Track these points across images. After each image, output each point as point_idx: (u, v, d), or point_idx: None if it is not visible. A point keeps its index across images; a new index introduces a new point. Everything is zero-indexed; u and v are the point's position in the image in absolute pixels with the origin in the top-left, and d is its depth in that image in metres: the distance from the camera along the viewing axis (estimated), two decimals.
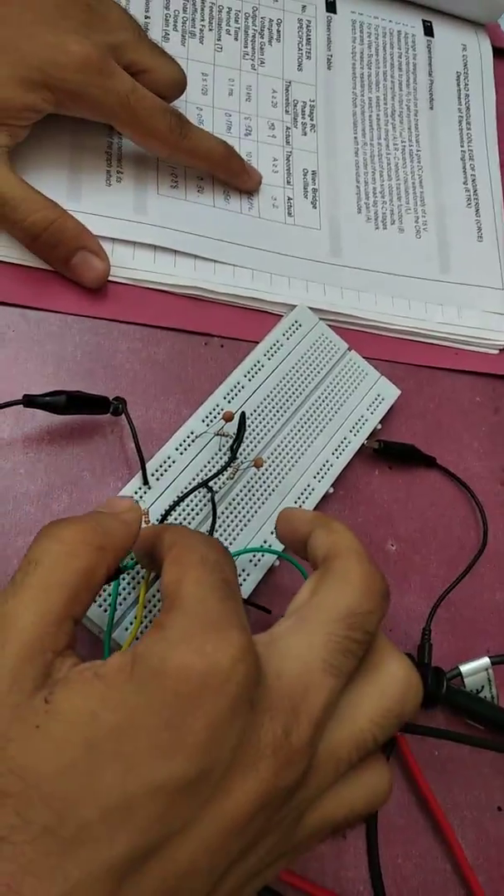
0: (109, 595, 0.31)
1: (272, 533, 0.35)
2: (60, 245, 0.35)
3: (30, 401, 0.32)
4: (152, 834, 0.17)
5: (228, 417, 0.35)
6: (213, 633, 0.19)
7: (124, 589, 0.31)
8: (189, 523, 0.34)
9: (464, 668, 0.35)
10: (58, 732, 0.17)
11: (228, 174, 0.41)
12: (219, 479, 0.35)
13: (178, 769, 0.17)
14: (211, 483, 0.35)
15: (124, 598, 0.31)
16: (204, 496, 0.35)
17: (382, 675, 0.22)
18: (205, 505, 0.34)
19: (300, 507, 0.37)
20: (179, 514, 0.34)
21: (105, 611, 0.31)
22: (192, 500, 0.34)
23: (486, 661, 0.36)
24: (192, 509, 0.34)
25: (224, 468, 0.34)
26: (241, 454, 0.36)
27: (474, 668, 0.36)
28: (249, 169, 0.42)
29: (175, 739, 0.17)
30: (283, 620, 0.23)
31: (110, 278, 0.38)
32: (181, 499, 0.33)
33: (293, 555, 0.35)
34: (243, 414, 0.35)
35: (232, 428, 0.36)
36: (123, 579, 0.31)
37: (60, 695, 0.18)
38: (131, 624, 0.31)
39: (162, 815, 0.17)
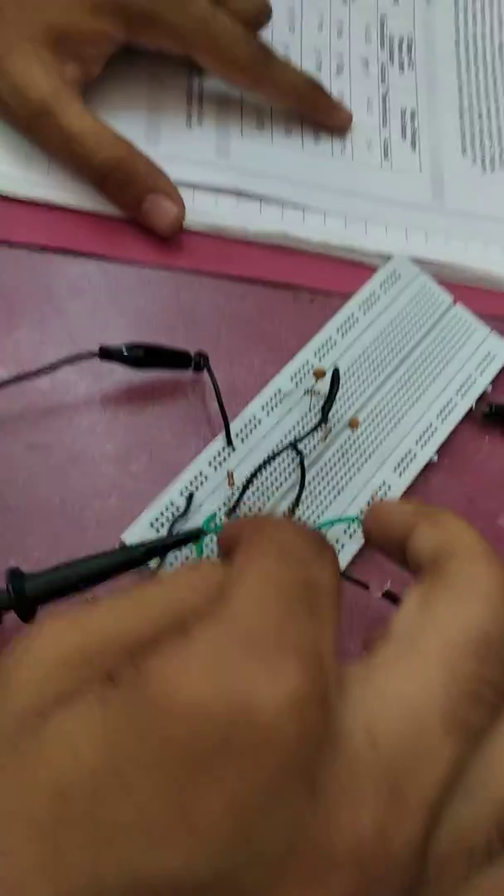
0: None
1: (369, 503, 0.32)
2: (131, 186, 0.32)
3: (105, 353, 0.30)
4: None
5: (319, 374, 0.32)
6: (257, 659, 0.13)
7: (208, 557, 0.29)
8: (276, 489, 0.31)
9: None
10: (28, 760, 0.12)
11: (315, 110, 0.37)
12: (309, 441, 0.32)
13: (179, 867, 0.11)
14: (300, 446, 0.31)
15: None
16: (293, 460, 0.31)
17: None
18: (293, 470, 0.31)
19: (400, 475, 0.33)
20: (266, 480, 0.31)
21: None
22: (279, 465, 0.31)
23: None
24: (281, 474, 0.31)
25: (315, 428, 0.31)
26: (333, 415, 0.33)
27: None
28: (337, 105, 0.38)
29: (177, 817, 0.11)
30: (380, 645, 0.16)
31: (192, 227, 0.35)
32: (269, 460, 0.30)
33: None
34: (336, 370, 0.32)
35: (323, 386, 0.32)
36: (207, 546, 0.29)
37: (59, 712, 0.13)
38: None
39: None
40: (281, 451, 0.30)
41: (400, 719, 0.14)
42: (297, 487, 0.30)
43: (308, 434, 0.31)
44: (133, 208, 0.33)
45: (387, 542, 0.21)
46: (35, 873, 0.11)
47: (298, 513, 0.31)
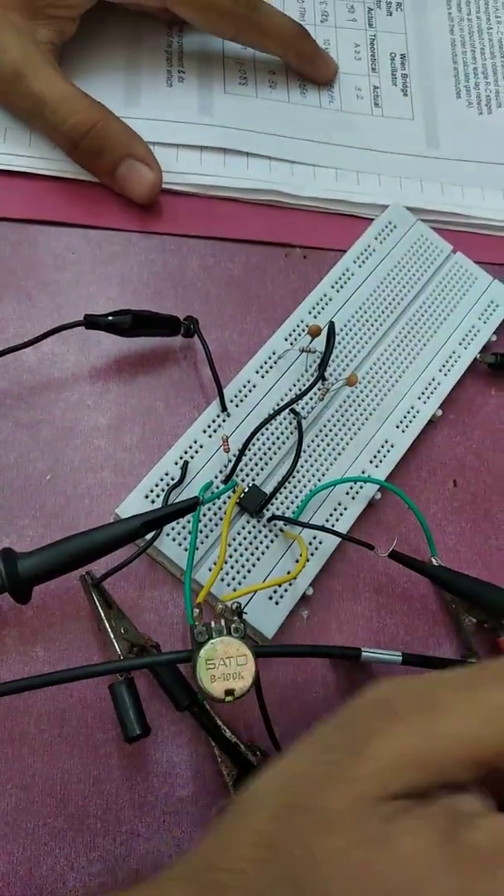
0: (190, 532, 0.27)
1: (371, 462, 0.31)
2: (104, 152, 0.31)
3: (91, 322, 0.29)
4: None
5: (315, 332, 0.31)
6: None
7: (206, 526, 0.28)
8: (274, 453, 0.30)
9: None
10: (393, 859, 0.14)
11: (301, 59, 0.36)
12: (308, 401, 0.31)
13: None
14: (297, 407, 0.30)
15: (206, 536, 0.28)
16: (291, 422, 0.30)
17: None
18: (292, 432, 0.30)
19: (403, 432, 0.32)
20: (264, 444, 0.30)
21: (185, 550, 0.27)
22: (277, 428, 0.30)
23: None
24: (279, 438, 0.30)
25: (310, 388, 0.30)
26: (331, 373, 0.32)
27: None
28: (324, 54, 0.36)
29: None
30: None
31: (176, 189, 0.34)
32: (264, 424, 0.29)
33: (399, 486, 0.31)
34: (332, 325, 0.31)
35: (320, 344, 0.31)
36: (205, 515, 0.28)
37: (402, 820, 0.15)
38: (214, 564, 0.27)
39: None
40: (276, 414, 0.29)
41: None
42: (296, 450, 0.29)
43: (304, 394, 0.30)
44: (108, 175, 0.32)
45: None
46: None
47: (298, 476, 0.30)
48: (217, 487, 0.28)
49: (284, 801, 0.16)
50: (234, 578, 0.28)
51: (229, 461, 0.29)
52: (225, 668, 0.22)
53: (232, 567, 0.28)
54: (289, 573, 0.27)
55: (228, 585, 0.28)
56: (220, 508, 0.28)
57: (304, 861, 0.15)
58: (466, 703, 0.16)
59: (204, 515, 0.28)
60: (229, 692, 0.22)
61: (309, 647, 0.26)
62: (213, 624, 0.22)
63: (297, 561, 0.28)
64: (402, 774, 0.15)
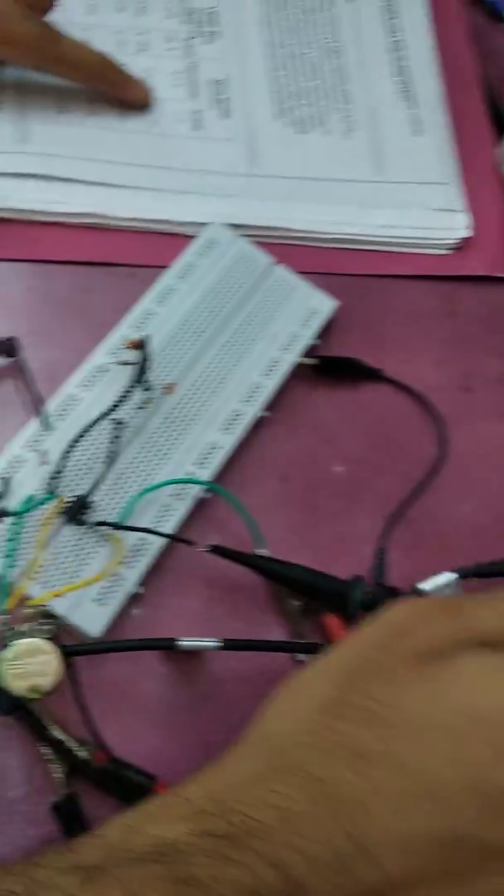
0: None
1: (197, 464, 0.33)
2: None
3: None
4: (499, 837, 0.15)
5: (134, 345, 0.32)
6: None
7: (32, 538, 0.29)
8: (95, 462, 0.31)
9: (423, 586, 0.32)
10: (446, 684, 0.17)
11: (108, 85, 0.38)
12: (137, 411, 0.32)
13: None
14: (121, 416, 0.32)
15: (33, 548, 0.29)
16: (113, 431, 0.32)
17: None
18: (111, 441, 0.32)
19: (228, 434, 0.33)
20: (90, 455, 0.31)
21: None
22: (102, 439, 0.31)
23: (450, 576, 0.32)
24: (101, 447, 0.31)
25: (123, 398, 0.31)
26: (157, 383, 0.33)
27: (437, 586, 0.32)
28: (133, 79, 0.38)
29: None
30: None
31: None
32: (80, 435, 0.30)
33: (222, 486, 0.33)
34: (144, 339, 0.32)
35: (139, 356, 0.33)
36: (31, 527, 0.29)
37: (462, 655, 0.17)
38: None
39: None
40: (93, 425, 0.31)
41: None
42: (110, 457, 0.31)
43: (119, 404, 0.31)
44: None
45: None
46: (450, 762, 0.16)
47: (129, 481, 0.31)
48: (38, 500, 0.30)
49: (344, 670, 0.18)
50: (63, 585, 0.29)
51: (53, 474, 0.30)
52: (28, 667, 0.23)
53: (63, 574, 0.29)
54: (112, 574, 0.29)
55: None
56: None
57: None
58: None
59: (28, 528, 0.29)
60: (34, 689, 0.23)
61: (123, 641, 0.27)
62: (17, 627, 0.24)
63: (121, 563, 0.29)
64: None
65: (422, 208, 0.41)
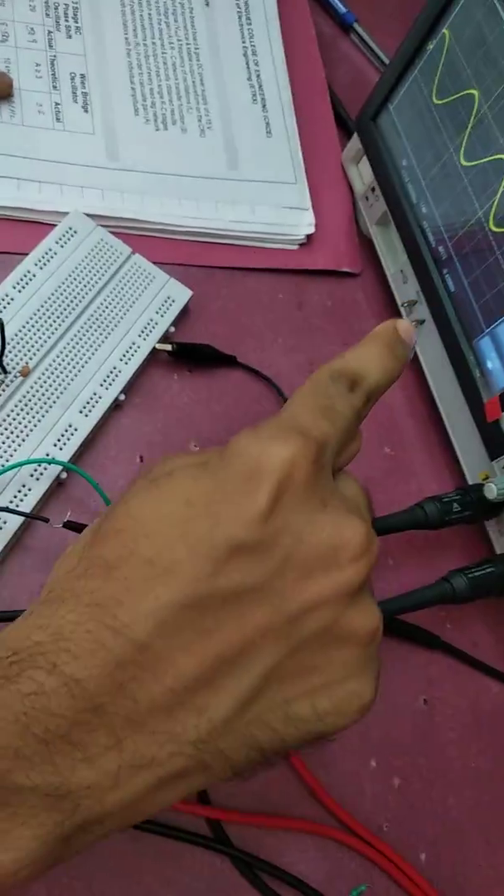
0: None
1: (55, 445, 0.34)
2: None
3: None
4: (231, 582, 0.19)
5: None
6: (280, 431, 0.20)
7: None
8: None
9: None
10: (166, 489, 0.20)
11: None
12: None
13: (243, 533, 0.19)
14: None
15: None
16: None
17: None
18: None
19: (86, 416, 0.35)
20: None
21: None
22: None
23: None
24: None
25: None
26: (13, 366, 0.34)
27: None
28: None
29: (239, 510, 0.19)
30: None
31: None
32: None
33: (82, 466, 0.34)
34: (0, 322, 0.33)
35: None
36: None
37: (178, 468, 0.20)
38: None
39: (241, 568, 0.19)
40: None
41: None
42: None
43: None
44: None
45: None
46: (178, 539, 0.19)
47: None
48: None
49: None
50: None
51: None
52: None
53: None
54: None
55: None
56: None
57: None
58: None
59: None
60: None
61: None
62: None
63: None
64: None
65: (272, 206, 0.44)
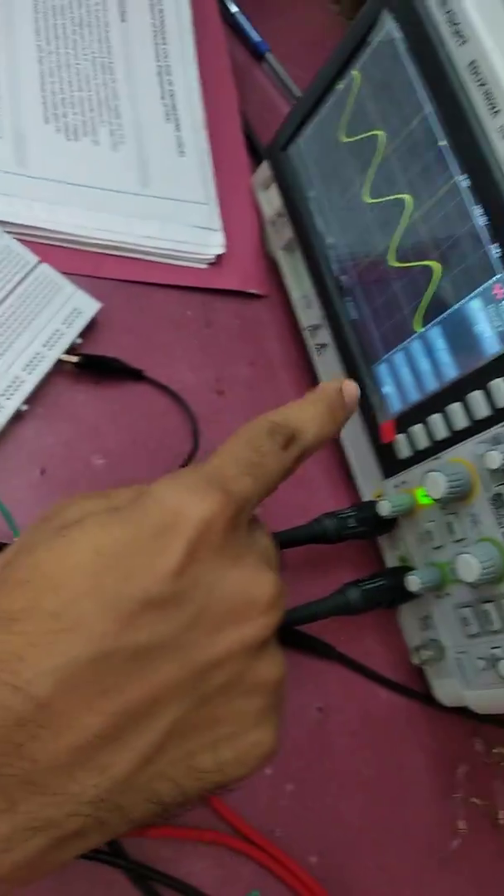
0: None
1: None
2: None
3: None
4: (140, 637, 0.18)
5: None
6: (200, 484, 0.20)
7: None
8: None
9: None
10: (75, 538, 0.19)
11: None
12: None
13: (156, 588, 0.19)
14: None
15: None
16: None
17: None
18: None
19: None
20: None
21: None
22: None
23: None
24: None
25: None
26: None
27: None
28: None
29: (152, 563, 0.19)
30: None
31: None
32: None
33: None
34: None
35: None
36: None
37: (87, 514, 0.20)
38: None
39: (152, 623, 0.19)
40: None
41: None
42: None
43: None
44: None
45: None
46: (86, 593, 0.18)
47: None
48: None
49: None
50: None
51: None
52: None
53: None
54: None
55: None
56: None
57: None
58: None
59: None
60: None
61: None
62: None
63: None
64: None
65: (182, 224, 0.45)
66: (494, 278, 0.30)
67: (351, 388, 0.25)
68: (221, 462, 0.22)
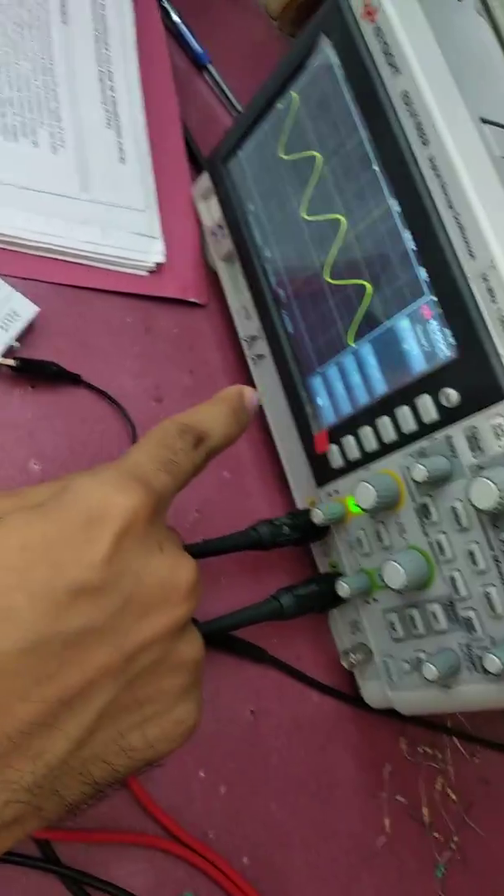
0: None
1: None
2: None
3: None
4: (73, 625, 0.19)
5: None
6: (123, 479, 0.21)
7: None
8: None
9: None
10: (4, 538, 0.20)
11: None
12: None
13: (86, 576, 0.20)
14: None
15: None
16: None
17: None
18: None
19: None
20: None
21: None
22: None
23: None
24: None
25: None
26: None
27: None
28: None
29: (82, 554, 0.20)
30: None
31: None
32: None
33: None
34: None
35: None
36: None
37: (8, 512, 0.21)
38: None
39: (84, 611, 0.19)
40: None
41: None
42: None
43: None
44: None
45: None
46: (15, 587, 0.19)
47: None
48: None
49: None
50: None
51: None
52: None
53: None
54: None
55: None
56: None
57: None
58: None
59: None
60: None
61: None
62: None
63: None
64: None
65: (122, 231, 0.45)
66: (422, 300, 0.31)
67: (249, 394, 0.28)
68: (139, 459, 0.23)
